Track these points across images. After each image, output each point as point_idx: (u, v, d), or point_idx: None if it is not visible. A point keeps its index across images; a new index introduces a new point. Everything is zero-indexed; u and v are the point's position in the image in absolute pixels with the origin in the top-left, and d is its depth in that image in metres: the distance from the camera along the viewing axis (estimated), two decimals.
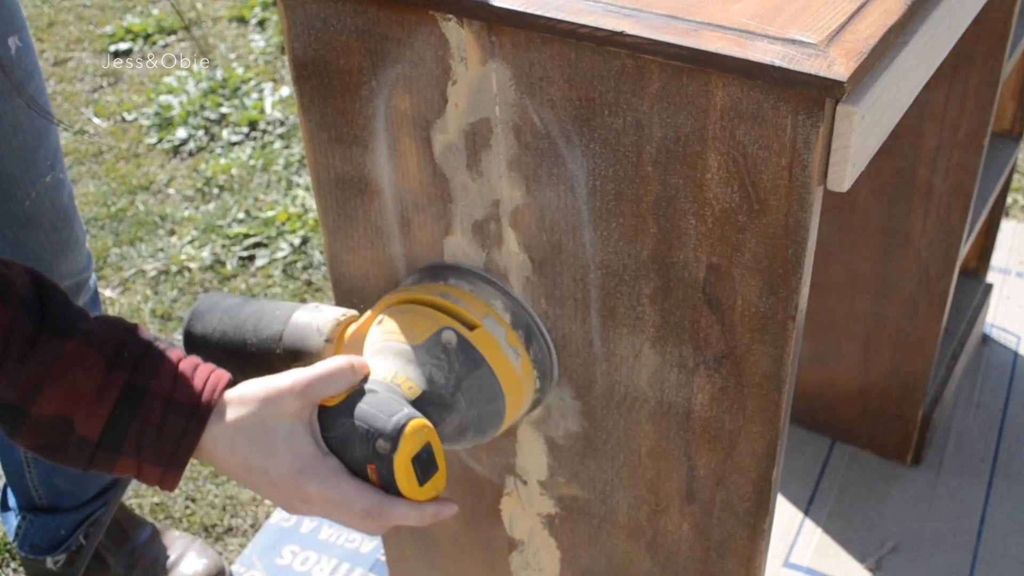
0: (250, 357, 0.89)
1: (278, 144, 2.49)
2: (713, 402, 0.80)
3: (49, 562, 1.40)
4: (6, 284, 0.70)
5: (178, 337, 1.94)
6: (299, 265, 2.10)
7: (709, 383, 0.80)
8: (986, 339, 1.79)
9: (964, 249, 1.36)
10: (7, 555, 1.53)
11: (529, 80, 0.73)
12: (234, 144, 2.50)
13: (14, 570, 1.51)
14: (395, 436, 0.75)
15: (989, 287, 1.72)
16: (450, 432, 0.82)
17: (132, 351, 0.72)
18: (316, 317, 0.87)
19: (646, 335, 0.80)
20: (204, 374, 0.74)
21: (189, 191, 2.34)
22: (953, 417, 1.65)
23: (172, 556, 1.46)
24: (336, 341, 0.87)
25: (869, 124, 0.64)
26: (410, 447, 0.75)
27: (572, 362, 0.86)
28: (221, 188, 2.35)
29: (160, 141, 2.52)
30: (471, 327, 0.83)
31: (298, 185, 2.34)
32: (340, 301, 0.99)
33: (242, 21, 3.04)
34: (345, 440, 0.76)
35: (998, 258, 1.97)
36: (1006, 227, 2.07)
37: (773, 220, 0.68)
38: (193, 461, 0.74)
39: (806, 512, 1.52)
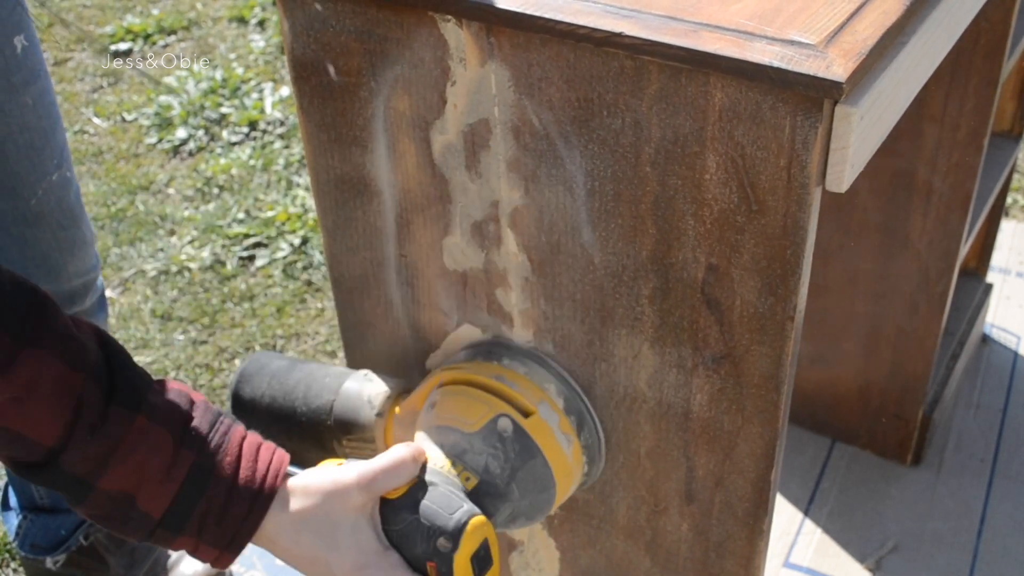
0: (300, 425, 0.88)
1: (278, 144, 2.49)
2: (712, 402, 0.80)
3: (49, 562, 1.40)
4: (79, 349, 0.68)
5: (179, 338, 1.94)
6: (299, 265, 2.10)
7: (708, 383, 0.80)
8: (986, 339, 1.79)
9: (964, 249, 1.36)
10: (7, 555, 1.53)
11: (528, 81, 0.73)
12: (234, 144, 2.50)
13: (14, 570, 1.51)
14: (456, 535, 0.75)
15: (989, 287, 1.72)
16: (502, 521, 0.82)
17: (199, 429, 0.72)
18: (366, 388, 0.87)
19: (645, 335, 0.80)
20: (267, 456, 0.74)
21: (189, 191, 2.35)
22: (953, 417, 1.65)
23: (172, 556, 1.46)
24: (387, 415, 0.87)
25: (868, 125, 0.64)
26: (470, 546, 0.76)
27: (571, 363, 0.86)
28: (221, 188, 2.35)
29: (160, 141, 2.52)
30: (526, 414, 0.83)
31: (298, 185, 2.34)
32: (339, 302, 0.99)
33: (242, 21, 3.04)
34: (406, 535, 0.76)
35: (998, 258, 1.96)
36: (1006, 227, 2.07)
37: (772, 220, 0.68)
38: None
39: (806, 512, 1.52)
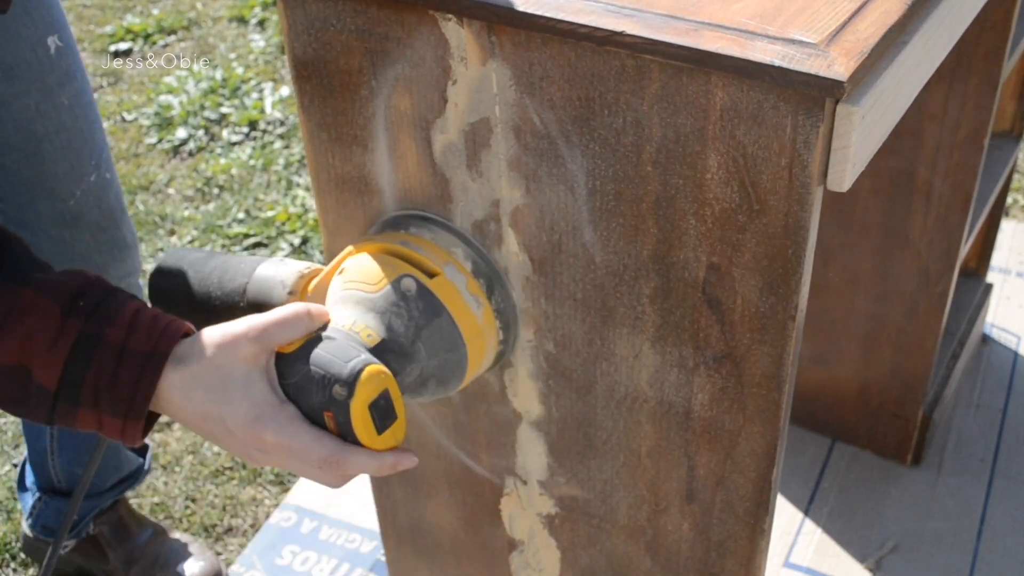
0: (215, 310, 0.88)
1: (278, 144, 2.49)
2: (713, 402, 0.80)
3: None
4: None
5: None
6: None
7: (709, 383, 0.80)
8: (986, 339, 1.79)
9: (964, 249, 1.36)
10: (7, 555, 1.53)
11: (529, 80, 0.73)
12: (234, 144, 2.50)
13: (14, 570, 1.51)
14: (351, 382, 0.73)
15: (989, 287, 1.72)
16: (411, 383, 0.81)
17: (89, 299, 0.72)
18: (280, 270, 0.87)
19: (646, 335, 0.80)
20: (161, 324, 0.73)
21: (189, 191, 2.35)
22: (953, 417, 1.65)
23: (171, 557, 1.46)
24: (300, 294, 0.86)
25: (869, 124, 0.64)
26: (366, 393, 0.74)
27: (572, 362, 0.86)
28: (221, 188, 2.35)
29: (160, 141, 2.52)
30: (431, 275, 0.82)
31: (298, 185, 2.34)
32: None
33: (242, 21, 3.04)
34: (302, 387, 0.75)
35: (998, 258, 1.97)
36: (1006, 227, 2.07)
37: (773, 220, 0.68)
38: (170, 426, 0.73)
39: (806, 512, 1.52)
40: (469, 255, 0.85)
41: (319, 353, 0.75)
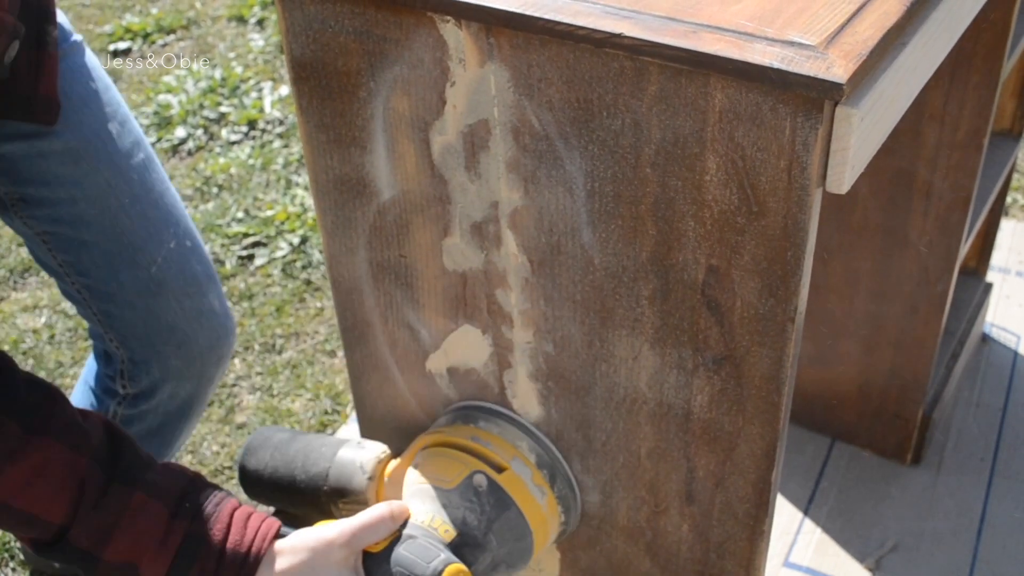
0: (300, 492, 0.96)
1: (277, 143, 2.49)
2: (712, 404, 0.80)
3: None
4: (83, 435, 0.77)
5: None
6: (298, 264, 2.10)
7: (708, 385, 0.80)
8: (986, 338, 1.79)
9: (964, 249, 1.36)
10: (6, 555, 1.53)
11: (528, 82, 0.73)
12: (233, 143, 2.50)
13: (13, 569, 1.51)
14: None
15: (989, 286, 1.72)
16: (483, 570, 0.86)
17: (192, 500, 0.79)
18: (359, 455, 0.94)
19: (645, 337, 0.80)
20: (256, 524, 0.80)
21: (188, 190, 2.34)
22: (953, 417, 1.65)
23: None
24: (377, 479, 0.94)
25: (868, 126, 0.64)
26: None
27: (571, 363, 0.86)
28: (220, 187, 2.35)
29: (159, 140, 2.52)
30: (500, 469, 0.89)
31: (297, 184, 2.34)
32: (338, 302, 0.99)
33: (241, 20, 3.04)
34: None
35: (998, 257, 1.96)
36: (1005, 226, 2.07)
37: (772, 222, 0.68)
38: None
39: (806, 512, 1.52)
40: (533, 448, 0.91)
41: (402, 554, 0.81)
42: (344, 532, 0.81)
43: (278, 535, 0.81)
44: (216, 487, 0.82)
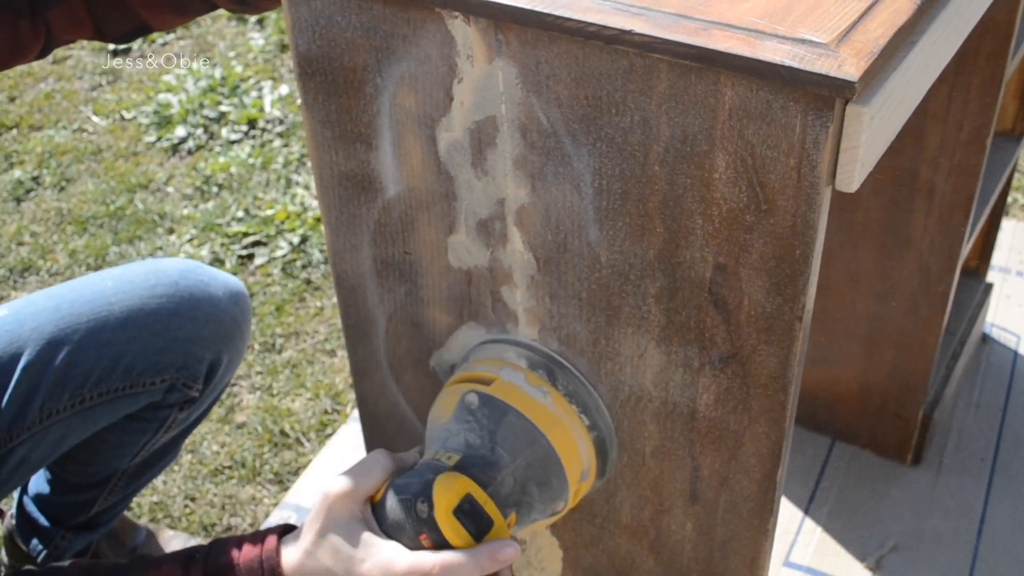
0: None
1: (277, 142, 2.49)
2: (718, 402, 0.80)
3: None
4: None
5: None
6: (298, 264, 2.09)
7: (714, 383, 0.79)
8: (986, 338, 1.79)
9: (966, 249, 1.36)
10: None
11: (536, 78, 0.73)
12: (233, 142, 2.50)
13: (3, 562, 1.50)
14: (427, 493, 0.76)
15: (989, 286, 1.72)
16: (510, 493, 0.82)
17: (200, 550, 0.80)
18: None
19: (651, 335, 0.80)
20: (263, 532, 0.81)
21: (188, 189, 2.34)
22: (953, 417, 1.65)
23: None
24: None
25: (878, 124, 0.64)
26: (446, 501, 0.76)
27: (577, 361, 0.86)
28: (220, 186, 2.34)
29: (159, 139, 2.51)
30: (488, 383, 0.84)
31: (297, 183, 2.34)
32: (341, 299, 0.99)
33: (241, 19, 3.03)
34: (395, 522, 0.78)
35: (998, 257, 1.97)
36: (1006, 226, 2.07)
37: (781, 220, 0.68)
38: None
39: (806, 511, 1.52)
40: (522, 354, 0.86)
41: (398, 483, 0.78)
42: (343, 485, 0.79)
43: (286, 531, 0.81)
44: (219, 538, 0.84)
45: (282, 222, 2.20)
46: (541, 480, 0.83)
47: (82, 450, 1.19)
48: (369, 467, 0.80)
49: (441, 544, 0.76)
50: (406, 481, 0.78)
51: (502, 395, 0.83)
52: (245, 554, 0.79)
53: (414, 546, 0.77)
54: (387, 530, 0.78)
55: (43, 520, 1.37)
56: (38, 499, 1.35)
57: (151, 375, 1.15)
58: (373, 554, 0.76)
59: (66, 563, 0.82)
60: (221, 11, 3.06)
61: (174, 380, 1.16)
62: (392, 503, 0.78)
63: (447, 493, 0.77)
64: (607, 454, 0.88)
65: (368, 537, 0.77)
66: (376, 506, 0.79)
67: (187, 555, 0.80)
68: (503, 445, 0.82)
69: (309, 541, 0.78)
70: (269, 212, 2.23)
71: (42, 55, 1.04)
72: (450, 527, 0.76)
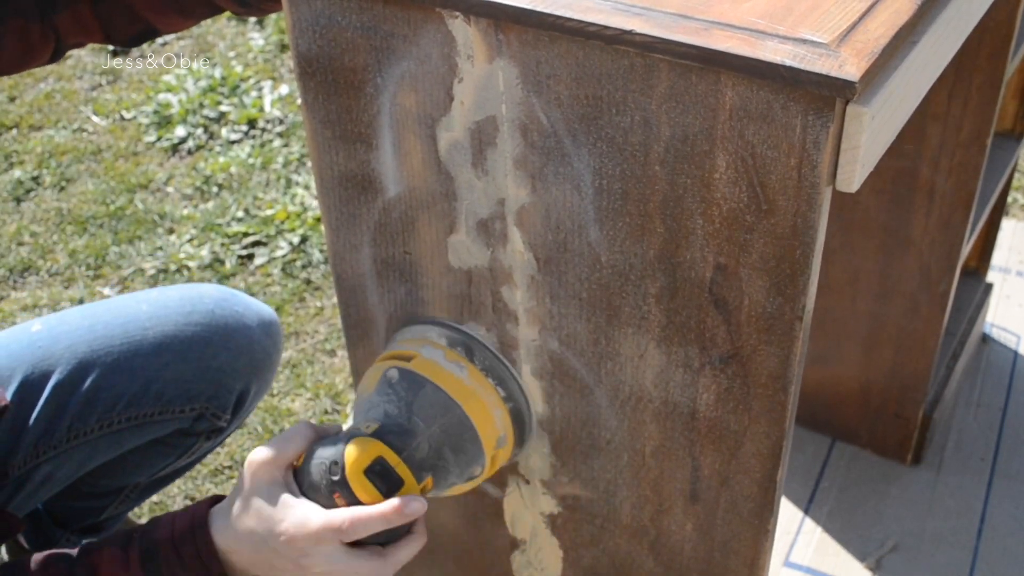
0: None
1: (277, 142, 2.49)
2: (719, 402, 0.80)
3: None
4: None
5: None
6: (298, 264, 2.09)
7: (715, 383, 0.79)
8: (986, 338, 1.79)
9: (966, 249, 1.36)
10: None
11: (536, 78, 0.73)
12: (233, 142, 2.50)
13: None
14: (339, 456, 0.82)
15: (989, 286, 1.73)
16: (426, 457, 0.86)
17: (138, 529, 0.85)
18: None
19: (651, 335, 0.80)
20: (195, 504, 0.86)
21: (188, 189, 2.34)
22: (953, 416, 1.65)
23: None
24: None
25: (879, 125, 0.64)
26: (357, 462, 0.82)
27: (577, 361, 0.86)
28: (220, 186, 2.34)
29: (159, 139, 2.51)
30: (408, 359, 0.89)
31: (297, 183, 2.34)
32: (341, 299, 0.99)
33: (241, 19, 3.03)
34: (312, 484, 0.83)
35: (998, 257, 1.97)
36: (1006, 226, 2.07)
37: (781, 220, 0.68)
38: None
39: (806, 511, 1.52)
40: (443, 333, 0.92)
41: (316, 449, 0.84)
42: (266, 453, 0.83)
43: (215, 501, 0.85)
44: (156, 516, 0.87)
45: (282, 222, 2.20)
46: (456, 446, 0.88)
47: (101, 464, 1.19)
48: (290, 436, 0.85)
49: (353, 503, 0.82)
50: (323, 447, 0.84)
51: (420, 370, 0.88)
52: (178, 526, 0.83)
53: (329, 505, 0.82)
54: (306, 492, 0.83)
55: (49, 522, 1.37)
56: (46, 501, 1.35)
57: (181, 403, 1.15)
58: (291, 515, 0.81)
59: (24, 558, 0.85)
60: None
61: (204, 409, 1.16)
62: (309, 467, 0.83)
63: (359, 456, 0.82)
64: (524, 423, 0.93)
65: (287, 499, 0.82)
66: (297, 471, 0.84)
67: (126, 534, 0.84)
68: (419, 414, 0.86)
69: (235, 506, 0.83)
70: (269, 212, 2.23)
71: (53, 59, 1.05)
72: (360, 486, 0.81)
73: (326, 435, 0.87)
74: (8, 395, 1.08)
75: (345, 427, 0.88)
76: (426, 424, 0.86)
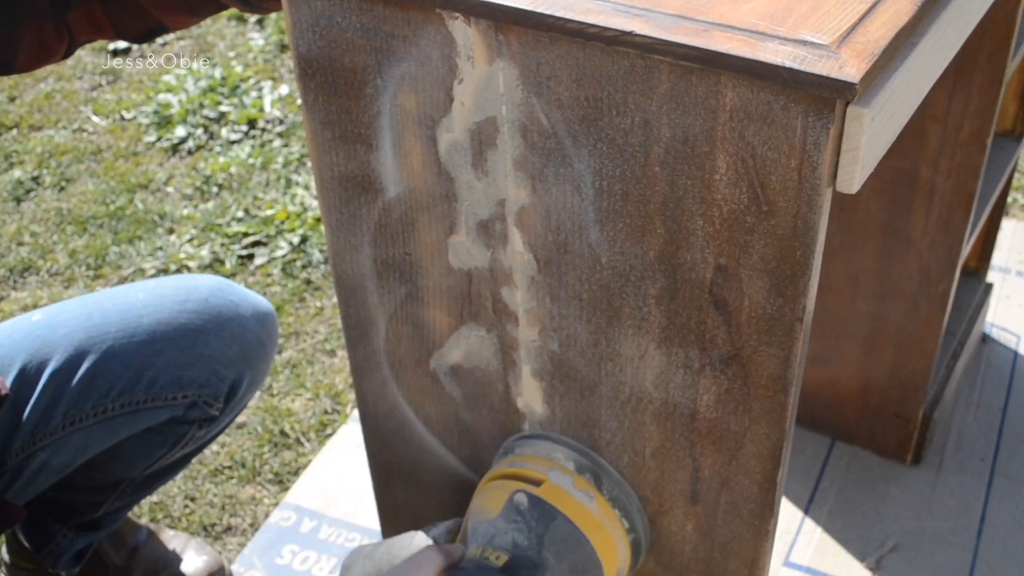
0: None
1: (277, 143, 2.49)
2: (719, 403, 0.80)
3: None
4: None
5: None
6: (298, 264, 2.09)
7: (715, 384, 0.79)
8: (986, 338, 1.79)
9: (966, 249, 1.36)
10: None
11: (536, 79, 0.73)
12: (233, 142, 2.50)
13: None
14: None
15: (989, 287, 1.72)
16: None
17: None
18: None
19: (652, 336, 0.80)
20: None
21: (188, 189, 2.34)
22: (953, 416, 1.65)
23: (172, 555, 1.46)
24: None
25: (879, 126, 0.64)
26: None
27: (577, 362, 0.86)
28: (220, 187, 2.34)
29: (159, 139, 2.51)
30: (538, 484, 0.87)
31: (297, 183, 2.34)
32: (341, 300, 0.99)
33: (241, 19, 3.03)
34: None
35: (998, 257, 1.97)
36: (1006, 226, 2.07)
37: (782, 221, 0.68)
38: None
39: (806, 511, 1.52)
40: (570, 456, 0.90)
41: None
42: None
43: None
44: None
45: (282, 222, 2.20)
46: None
47: (97, 455, 1.20)
48: (420, 563, 0.82)
49: None
50: None
51: (551, 498, 0.86)
52: None
53: None
54: None
55: (47, 517, 1.37)
56: (44, 496, 1.36)
57: (173, 390, 1.15)
58: None
59: None
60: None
61: (196, 397, 1.17)
62: None
63: None
64: (640, 554, 0.92)
65: None
66: None
67: None
68: (549, 548, 0.85)
69: None
70: (269, 212, 2.23)
71: (67, 56, 1.06)
72: None
73: (451, 559, 0.84)
74: (8, 383, 1.08)
75: (468, 550, 0.86)
76: (556, 559, 0.85)
